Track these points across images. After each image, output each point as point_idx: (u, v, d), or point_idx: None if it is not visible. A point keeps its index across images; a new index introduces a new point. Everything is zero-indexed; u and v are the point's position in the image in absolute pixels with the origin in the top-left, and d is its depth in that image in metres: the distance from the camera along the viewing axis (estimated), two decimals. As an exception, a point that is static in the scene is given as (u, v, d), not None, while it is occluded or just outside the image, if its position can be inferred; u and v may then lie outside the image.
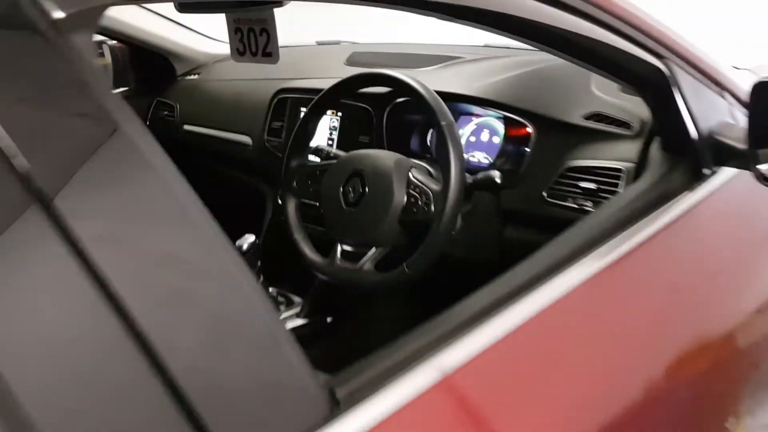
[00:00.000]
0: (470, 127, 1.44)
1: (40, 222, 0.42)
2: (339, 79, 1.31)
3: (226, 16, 1.10)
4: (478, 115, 1.44)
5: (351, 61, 1.76)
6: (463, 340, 0.67)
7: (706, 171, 1.06)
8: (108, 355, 0.43)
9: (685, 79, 1.04)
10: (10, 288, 0.41)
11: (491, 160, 1.37)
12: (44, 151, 0.44)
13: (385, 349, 0.65)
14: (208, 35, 2.23)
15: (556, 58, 1.03)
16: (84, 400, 0.42)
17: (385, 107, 1.50)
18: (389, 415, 0.57)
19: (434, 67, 1.58)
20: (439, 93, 1.18)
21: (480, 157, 1.40)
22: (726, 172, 1.09)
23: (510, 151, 1.34)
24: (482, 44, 1.78)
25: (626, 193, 1.03)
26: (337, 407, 0.55)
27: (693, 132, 1.05)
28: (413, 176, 1.15)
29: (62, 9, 0.47)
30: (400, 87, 1.19)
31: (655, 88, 1.05)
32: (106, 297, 0.43)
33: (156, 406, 0.45)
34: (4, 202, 0.42)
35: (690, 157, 1.07)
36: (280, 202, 1.39)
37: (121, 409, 0.44)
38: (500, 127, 1.38)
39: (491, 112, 1.38)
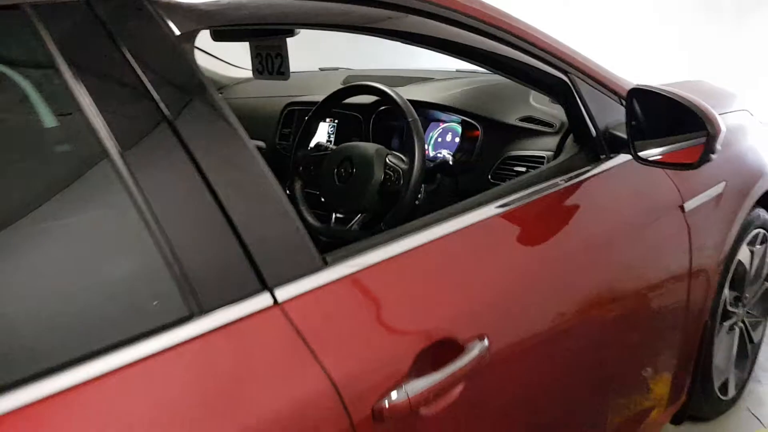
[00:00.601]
0: (438, 130, 1.85)
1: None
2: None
3: (249, 43, 1.51)
4: (443, 121, 1.84)
5: (346, 82, 2.17)
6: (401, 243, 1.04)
7: (602, 156, 1.44)
8: (210, 222, 0.81)
9: (584, 88, 1.43)
10: None
11: (452, 154, 1.78)
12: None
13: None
14: (229, 62, 2.67)
15: (503, 78, 1.43)
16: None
17: (371, 114, 1.91)
18: (364, 268, 0.95)
19: (410, 85, 1.99)
20: (411, 101, 1.58)
21: (444, 153, 1.80)
22: (622, 156, 1.47)
23: (465, 147, 1.75)
24: (454, 69, 2.20)
25: (541, 169, 1.42)
26: (325, 265, 0.93)
27: (591, 128, 1.44)
28: (389, 160, 1.54)
29: (179, 29, 0.86)
30: (378, 94, 1.59)
31: (564, 96, 1.44)
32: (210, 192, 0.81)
33: (227, 246, 0.83)
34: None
35: (590, 147, 1.46)
36: (287, 190, 1.78)
37: (213, 244, 0.82)
38: (458, 129, 1.78)
39: (453, 117, 1.79)
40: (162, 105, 0.81)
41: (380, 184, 1.52)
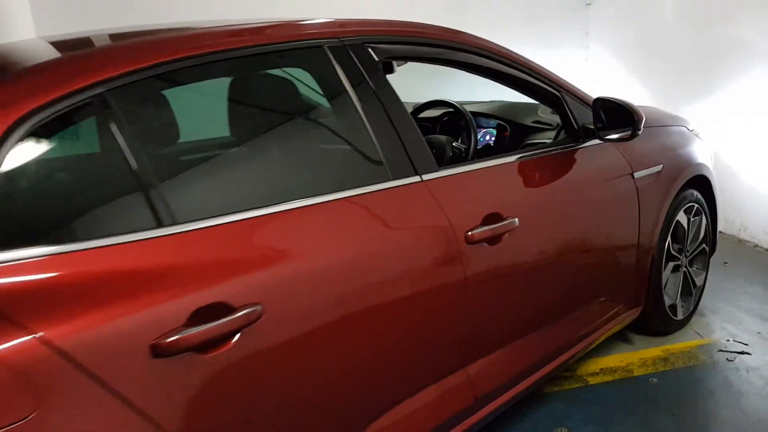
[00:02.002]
0: (480, 132, 2.91)
1: None
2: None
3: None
4: (484, 127, 2.91)
5: (415, 106, 3.25)
6: None
7: (580, 140, 2.48)
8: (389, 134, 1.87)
9: (569, 100, 2.48)
10: None
11: (492, 144, 2.85)
12: None
13: None
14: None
15: (518, 103, 2.51)
16: None
17: (437, 123, 2.98)
18: (461, 171, 1.99)
19: (470, 104, 3.08)
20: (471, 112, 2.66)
21: (487, 139, 2.87)
22: (592, 141, 2.50)
23: (499, 140, 2.82)
24: (488, 99, 3.29)
25: (546, 146, 2.46)
26: (439, 167, 1.96)
27: (575, 125, 2.48)
28: (454, 144, 2.60)
29: (377, 57, 1.92)
30: (449, 105, 2.67)
31: (557, 105, 2.49)
32: None
33: (396, 146, 1.87)
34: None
35: (573, 135, 2.49)
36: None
37: None
38: (494, 132, 2.86)
39: (491, 122, 2.86)
40: (377, 93, 1.85)
41: (449, 158, 2.57)
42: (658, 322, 2.96)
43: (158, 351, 1.26)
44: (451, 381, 1.92)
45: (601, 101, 2.40)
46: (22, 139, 1.26)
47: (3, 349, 1.10)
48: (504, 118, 2.86)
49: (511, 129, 2.79)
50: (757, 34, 3.91)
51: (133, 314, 1.25)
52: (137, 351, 1.24)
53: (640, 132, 2.32)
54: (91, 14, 4.15)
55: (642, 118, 2.31)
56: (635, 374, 2.76)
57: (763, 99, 3.89)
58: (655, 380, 2.70)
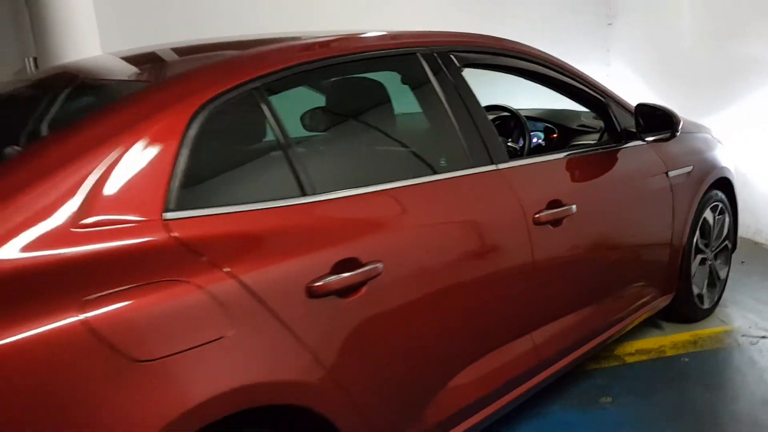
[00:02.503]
0: (531, 134, 3.24)
1: None
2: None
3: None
4: (533, 129, 3.23)
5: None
6: None
7: (622, 141, 2.79)
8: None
9: (614, 106, 2.80)
10: None
11: (542, 144, 3.16)
12: None
13: None
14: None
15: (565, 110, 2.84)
16: None
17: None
18: (524, 164, 2.31)
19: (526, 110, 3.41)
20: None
21: (537, 140, 3.19)
22: (633, 143, 2.81)
23: (548, 141, 3.14)
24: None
25: (591, 146, 2.77)
26: (510, 159, 2.28)
27: (618, 128, 2.79)
28: (507, 144, 2.91)
29: (459, 64, 2.24)
30: (504, 110, 2.99)
31: (602, 111, 2.80)
32: None
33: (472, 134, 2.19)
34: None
35: (617, 137, 2.80)
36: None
37: None
38: (541, 135, 3.17)
39: (539, 125, 3.18)
40: (460, 94, 2.17)
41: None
42: (687, 309, 3.25)
43: (311, 292, 1.56)
44: (520, 343, 2.22)
45: (642, 106, 2.71)
46: (203, 121, 1.57)
47: (204, 281, 1.40)
48: (551, 121, 3.17)
49: (559, 131, 3.11)
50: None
51: (295, 260, 1.56)
52: (297, 291, 1.54)
53: (678, 133, 2.63)
54: (154, 31, 4.46)
55: (680, 122, 2.62)
56: (668, 354, 3.05)
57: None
58: (686, 359, 2.99)
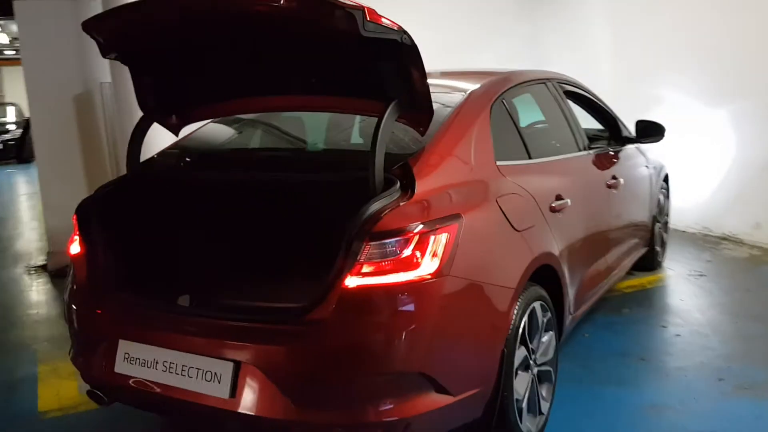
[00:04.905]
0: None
1: None
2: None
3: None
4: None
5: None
6: None
7: (624, 144, 4.32)
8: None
9: (619, 121, 4.33)
10: None
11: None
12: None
13: None
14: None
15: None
16: None
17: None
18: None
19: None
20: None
21: None
22: (630, 145, 4.35)
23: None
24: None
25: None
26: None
27: (622, 134, 4.33)
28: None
29: (563, 89, 3.65)
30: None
31: (612, 126, 4.32)
32: None
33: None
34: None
35: (620, 142, 4.32)
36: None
37: None
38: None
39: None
40: (566, 107, 3.57)
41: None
42: (651, 260, 4.84)
43: (551, 209, 2.85)
44: (604, 258, 3.63)
45: (640, 121, 4.26)
46: (503, 99, 2.85)
47: (520, 196, 2.65)
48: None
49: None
50: (670, 90, 6.11)
51: (546, 192, 2.86)
52: (547, 208, 2.82)
53: (664, 137, 4.20)
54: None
55: (665, 129, 4.19)
56: (647, 287, 4.61)
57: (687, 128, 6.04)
58: (660, 286, 4.56)
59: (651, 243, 4.69)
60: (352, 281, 2.02)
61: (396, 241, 2.06)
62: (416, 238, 2.08)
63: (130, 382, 2.30)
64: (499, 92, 2.89)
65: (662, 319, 4.03)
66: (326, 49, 2.25)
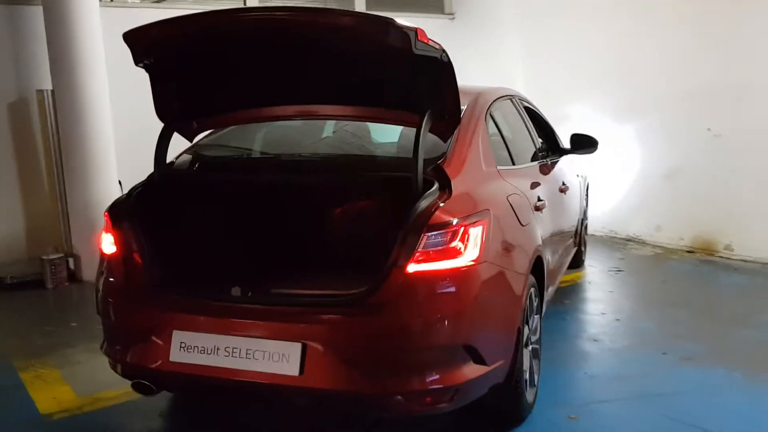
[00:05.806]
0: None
1: None
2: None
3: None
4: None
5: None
6: None
7: (563, 155, 4.89)
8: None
9: (556, 134, 4.89)
10: None
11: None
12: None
13: None
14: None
15: None
16: None
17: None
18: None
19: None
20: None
21: None
22: (567, 155, 4.91)
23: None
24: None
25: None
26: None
27: (559, 147, 4.89)
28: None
29: (523, 105, 4.13)
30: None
31: (553, 138, 4.86)
32: None
33: None
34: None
35: (560, 153, 4.88)
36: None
37: None
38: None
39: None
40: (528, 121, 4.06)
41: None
42: (577, 258, 5.43)
43: (534, 208, 3.29)
44: (558, 258, 4.12)
45: (575, 134, 4.82)
46: (490, 111, 3.24)
47: (521, 194, 3.07)
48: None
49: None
50: (579, 107, 6.84)
51: (531, 194, 3.28)
52: (531, 207, 3.25)
53: (596, 149, 4.79)
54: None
55: (598, 142, 4.79)
56: (578, 282, 5.21)
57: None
58: (589, 281, 5.17)
59: (579, 243, 5.29)
60: (411, 267, 2.32)
61: (445, 232, 2.38)
62: (461, 230, 2.41)
63: (189, 369, 2.46)
64: (488, 104, 3.29)
65: (599, 307, 4.59)
66: (373, 63, 2.55)
